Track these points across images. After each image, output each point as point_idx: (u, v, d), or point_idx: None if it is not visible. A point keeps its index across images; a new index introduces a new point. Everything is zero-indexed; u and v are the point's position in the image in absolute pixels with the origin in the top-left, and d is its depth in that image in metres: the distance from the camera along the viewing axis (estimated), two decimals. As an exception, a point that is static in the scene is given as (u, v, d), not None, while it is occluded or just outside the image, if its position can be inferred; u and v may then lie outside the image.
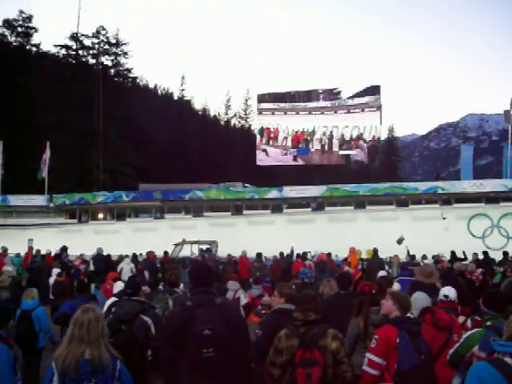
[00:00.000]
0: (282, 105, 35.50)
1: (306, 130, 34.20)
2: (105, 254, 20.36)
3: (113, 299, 6.89)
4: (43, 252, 20.85)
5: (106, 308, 6.25)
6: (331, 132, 33.56)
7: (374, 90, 33.54)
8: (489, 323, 4.18)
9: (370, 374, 4.36)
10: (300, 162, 35.42)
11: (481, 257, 18.02)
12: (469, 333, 4.42)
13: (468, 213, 27.46)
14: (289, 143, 34.88)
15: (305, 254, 19.80)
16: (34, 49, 52.63)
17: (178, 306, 5.07)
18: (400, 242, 21.22)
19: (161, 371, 4.60)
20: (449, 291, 5.91)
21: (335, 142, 33.54)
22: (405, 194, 29.07)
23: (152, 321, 5.47)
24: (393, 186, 30.72)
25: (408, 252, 19.29)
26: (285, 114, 35.13)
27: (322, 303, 4.84)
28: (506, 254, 19.01)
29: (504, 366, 3.03)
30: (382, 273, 9.19)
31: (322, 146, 33.89)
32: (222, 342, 4.17)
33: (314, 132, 33.91)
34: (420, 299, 5.22)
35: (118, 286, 7.46)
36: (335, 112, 34.00)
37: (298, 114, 34.75)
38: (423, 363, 4.27)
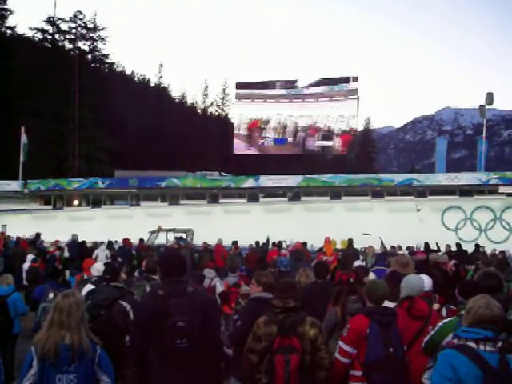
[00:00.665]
0: (259, 92, 35.72)
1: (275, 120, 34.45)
2: (80, 240, 20.22)
3: (89, 286, 6.88)
4: (15, 237, 20.68)
5: (84, 293, 6.24)
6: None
7: (344, 80, 34.02)
8: (462, 312, 4.25)
9: (341, 361, 4.41)
10: (277, 151, 35.62)
11: (454, 249, 18.24)
12: (443, 321, 4.48)
13: (442, 205, 27.76)
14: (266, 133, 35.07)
15: (280, 242, 19.86)
16: (9, 31, 51.77)
17: (148, 295, 4.97)
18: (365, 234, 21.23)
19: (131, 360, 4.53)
20: (424, 281, 6.00)
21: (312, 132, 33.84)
22: (380, 185, 29.27)
23: (130, 306, 5.47)
24: (369, 177, 30.94)
25: (382, 243, 19.43)
26: (264, 101, 35.33)
27: (299, 292, 4.89)
28: (477, 246, 19.32)
29: (469, 350, 3.20)
30: (357, 262, 9.27)
31: (294, 136, 34.25)
32: (196, 332, 4.13)
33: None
34: (410, 284, 5.20)
35: (95, 269, 7.42)
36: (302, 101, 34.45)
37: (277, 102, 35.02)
38: (389, 356, 4.30)
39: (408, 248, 18.86)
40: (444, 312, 5.38)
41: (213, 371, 4.38)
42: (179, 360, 4.12)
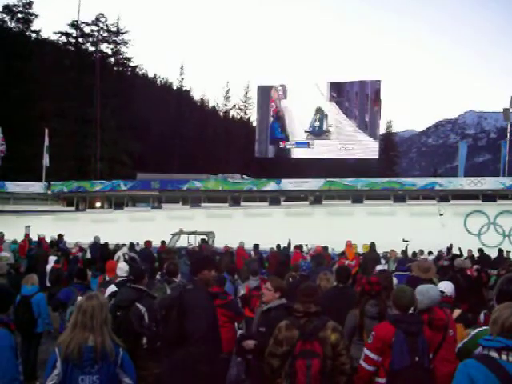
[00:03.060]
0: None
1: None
2: (102, 242, 20.35)
3: (113, 287, 6.93)
4: (36, 238, 20.90)
5: (107, 295, 6.28)
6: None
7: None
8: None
9: (365, 369, 4.39)
10: (299, 155, 35.62)
11: (476, 254, 18.09)
12: (477, 330, 4.43)
13: (465, 209, 27.52)
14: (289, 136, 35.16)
15: (300, 246, 19.84)
16: (34, 35, 52.32)
17: None
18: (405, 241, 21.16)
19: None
20: (445, 287, 5.94)
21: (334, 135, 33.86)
22: (402, 189, 29.11)
23: (146, 309, 5.50)
24: (391, 181, 30.79)
25: (406, 249, 19.32)
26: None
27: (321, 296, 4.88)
28: (500, 251, 19.08)
29: (489, 360, 3.11)
30: (379, 267, 9.23)
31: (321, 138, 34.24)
32: (161, 322, 4.60)
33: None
34: (429, 296, 5.13)
35: (121, 269, 7.47)
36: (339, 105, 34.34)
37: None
38: (415, 365, 4.25)
39: (430, 253, 18.74)
40: (482, 317, 5.31)
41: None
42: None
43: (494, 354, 3.13)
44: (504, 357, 3.10)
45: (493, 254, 18.44)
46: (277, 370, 4.27)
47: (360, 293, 5.59)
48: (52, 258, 14.60)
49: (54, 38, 53.11)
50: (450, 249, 18.70)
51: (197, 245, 21.51)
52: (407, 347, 4.28)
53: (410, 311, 4.65)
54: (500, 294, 4.48)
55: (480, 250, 18.58)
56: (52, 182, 33.92)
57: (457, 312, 6.31)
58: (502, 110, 32.47)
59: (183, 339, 4.40)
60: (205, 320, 4.63)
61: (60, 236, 22.01)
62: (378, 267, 9.04)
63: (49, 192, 33.61)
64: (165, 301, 4.41)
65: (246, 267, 13.74)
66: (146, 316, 5.42)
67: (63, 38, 52.42)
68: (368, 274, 8.53)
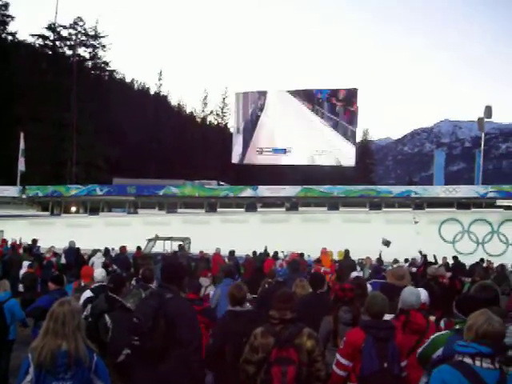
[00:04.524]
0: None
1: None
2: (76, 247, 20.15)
3: (88, 293, 6.88)
4: (10, 242, 20.68)
5: (82, 300, 6.21)
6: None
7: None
8: (458, 327, 4.24)
9: (337, 374, 4.43)
10: (276, 161, 35.70)
11: (450, 261, 18.26)
12: (436, 334, 4.48)
13: (440, 217, 27.84)
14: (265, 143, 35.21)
15: (276, 253, 19.88)
16: (10, 37, 51.89)
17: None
18: (386, 243, 21.25)
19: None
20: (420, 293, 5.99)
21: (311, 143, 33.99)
22: (378, 196, 29.33)
23: (112, 322, 5.47)
24: (367, 188, 31.05)
25: (380, 256, 19.40)
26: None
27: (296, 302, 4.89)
28: (481, 260, 19.27)
29: (463, 365, 3.17)
30: (354, 273, 9.26)
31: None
32: (148, 333, 4.28)
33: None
34: (406, 298, 5.19)
35: (99, 274, 7.40)
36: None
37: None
38: (384, 370, 4.29)
39: (406, 260, 18.87)
40: (442, 324, 5.38)
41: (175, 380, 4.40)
42: (136, 357, 4.39)
43: (468, 360, 3.18)
44: (478, 363, 3.15)
45: (467, 261, 18.65)
46: (252, 377, 4.26)
47: (334, 299, 5.64)
48: (26, 263, 14.43)
49: (30, 40, 52.63)
50: (425, 257, 18.82)
51: (173, 250, 21.45)
52: (376, 352, 4.32)
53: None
54: (468, 301, 4.54)
55: (455, 258, 18.79)
56: (27, 186, 33.57)
57: (432, 319, 6.38)
58: (476, 120, 32.94)
59: (169, 349, 4.36)
60: (198, 327, 4.65)
61: (34, 241, 21.75)
62: (353, 274, 9.05)
63: (23, 196, 33.26)
64: (146, 310, 4.35)
65: (221, 274, 13.74)
66: (111, 329, 5.40)
67: (40, 41, 51.96)
68: (343, 281, 8.56)
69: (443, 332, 4.45)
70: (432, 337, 4.45)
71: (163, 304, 4.36)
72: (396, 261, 18.76)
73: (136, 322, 4.31)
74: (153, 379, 4.29)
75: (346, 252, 17.93)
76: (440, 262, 18.17)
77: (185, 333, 4.35)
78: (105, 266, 14.91)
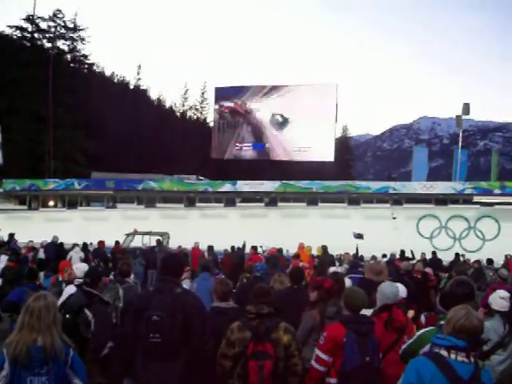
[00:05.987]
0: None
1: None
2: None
3: (72, 287, 6.83)
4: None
5: (66, 295, 6.12)
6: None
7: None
8: (442, 322, 4.28)
9: (317, 369, 4.40)
10: (255, 156, 35.70)
11: (429, 257, 18.40)
12: (422, 330, 4.48)
13: (417, 213, 28.03)
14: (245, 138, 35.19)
15: (255, 247, 19.87)
16: (-14, 29, 51.07)
17: (143, 289, 5.18)
18: (359, 237, 21.36)
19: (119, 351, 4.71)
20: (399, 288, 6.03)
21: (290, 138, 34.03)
22: (357, 192, 29.46)
23: (93, 316, 5.43)
24: (345, 184, 31.14)
25: (357, 251, 19.47)
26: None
27: (274, 297, 4.90)
28: (457, 255, 19.46)
29: (438, 357, 3.23)
30: (333, 268, 9.31)
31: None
32: (169, 329, 4.27)
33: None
34: (386, 294, 5.20)
35: (79, 270, 7.31)
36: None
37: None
38: (366, 365, 4.30)
39: (384, 256, 18.96)
40: (423, 319, 5.40)
41: (192, 371, 4.40)
42: (154, 354, 4.31)
43: (443, 352, 3.24)
44: (453, 356, 3.21)
45: (444, 257, 18.83)
46: (229, 371, 4.28)
47: (320, 293, 5.59)
48: (3, 258, 14.29)
49: (8, 32, 51.85)
50: (402, 252, 18.96)
51: (151, 245, 21.34)
52: (358, 347, 4.32)
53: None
54: (449, 296, 4.59)
55: (433, 253, 18.96)
56: (4, 180, 33.23)
57: (411, 313, 6.44)
58: (454, 117, 33.24)
59: (186, 342, 4.38)
60: (208, 318, 4.72)
61: (11, 235, 21.51)
62: (332, 269, 9.11)
63: (0, 190, 32.90)
64: (164, 307, 4.34)
65: (199, 269, 13.70)
66: (93, 323, 5.36)
67: (18, 33, 51.27)
68: (324, 275, 8.55)
69: (429, 328, 4.46)
70: (418, 333, 4.47)
71: (176, 299, 4.39)
72: (374, 257, 18.85)
73: (157, 320, 4.27)
74: (169, 372, 4.31)
75: (324, 248, 18.01)
76: (418, 257, 18.29)
77: (199, 325, 4.41)
78: (86, 260, 14.86)
